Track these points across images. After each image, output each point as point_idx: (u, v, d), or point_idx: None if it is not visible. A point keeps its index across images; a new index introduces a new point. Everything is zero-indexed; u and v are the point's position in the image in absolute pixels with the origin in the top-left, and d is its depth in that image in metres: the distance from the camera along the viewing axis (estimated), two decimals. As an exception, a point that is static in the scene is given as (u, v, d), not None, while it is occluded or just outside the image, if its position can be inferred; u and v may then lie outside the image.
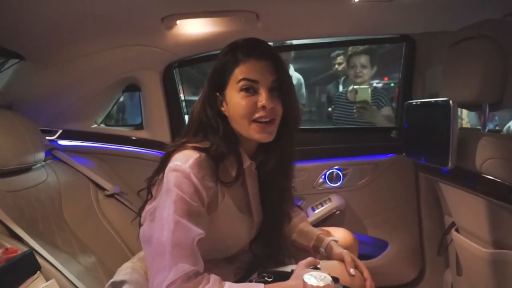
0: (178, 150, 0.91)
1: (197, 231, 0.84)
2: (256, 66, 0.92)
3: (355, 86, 2.15)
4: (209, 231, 0.88)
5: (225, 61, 0.95)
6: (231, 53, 0.95)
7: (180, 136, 1.01)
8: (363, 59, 2.20)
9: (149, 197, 0.99)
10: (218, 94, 0.96)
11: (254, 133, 0.93)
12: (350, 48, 2.26)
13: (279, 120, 0.95)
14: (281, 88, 0.94)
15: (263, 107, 0.91)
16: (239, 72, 0.92)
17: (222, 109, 0.96)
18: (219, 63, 0.96)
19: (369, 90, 2.07)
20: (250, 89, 0.92)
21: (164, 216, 0.83)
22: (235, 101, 0.92)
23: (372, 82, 2.47)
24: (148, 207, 0.98)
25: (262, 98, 0.91)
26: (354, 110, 2.09)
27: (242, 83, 0.91)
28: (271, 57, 0.94)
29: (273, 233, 1.11)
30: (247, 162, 0.99)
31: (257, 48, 0.94)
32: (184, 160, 0.87)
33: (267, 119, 0.92)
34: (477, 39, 1.21)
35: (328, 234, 1.20)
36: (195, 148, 0.90)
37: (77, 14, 1.30)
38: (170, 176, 0.86)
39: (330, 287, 0.67)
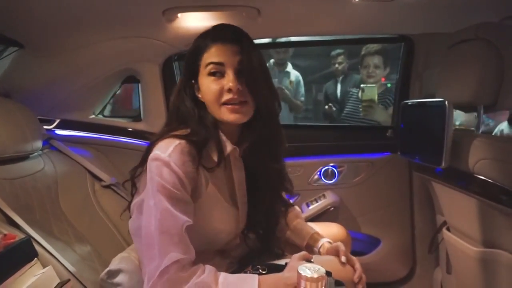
0: (160, 140, 0.91)
1: (184, 218, 0.84)
2: (221, 49, 0.92)
3: (362, 85, 2.17)
4: (195, 220, 0.88)
5: (195, 49, 0.96)
6: (201, 40, 0.96)
7: (163, 126, 1.01)
8: (377, 60, 2.23)
9: (133, 191, 1.00)
10: (193, 81, 0.98)
11: (225, 115, 0.92)
12: (364, 48, 2.29)
13: (253, 102, 0.94)
14: (245, 69, 0.91)
15: (229, 89, 0.90)
16: (207, 57, 0.93)
17: (199, 96, 0.97)
18: (190, 51, 0.97)
19: (376, 89, 2.09)
20: (217, 73, 0.92)
21: (151, 206, 0.84)
22: (205, 86, 0.94)
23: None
24: (135, 200, 0.98)
25: (229, 80, 0.90)
26: (360, 108, 2.12)
27: (209, 67, 0.92)
28: (237, 39, 0.93)
29: (264, 225, 1.11)
30: (229, 147, 0.97)
31: (224, 31, 0.95)
32: (164, 149, 0.87)
33: (237, 102, 0.91)
34: (475, 42, 1.22)
35: (319, 235, 1.18)
36: (175, 136, 0.90)
37: (78, 4, 1.30)
38: (151, 166, 0.87)
39: (324, 279, 0.68)
